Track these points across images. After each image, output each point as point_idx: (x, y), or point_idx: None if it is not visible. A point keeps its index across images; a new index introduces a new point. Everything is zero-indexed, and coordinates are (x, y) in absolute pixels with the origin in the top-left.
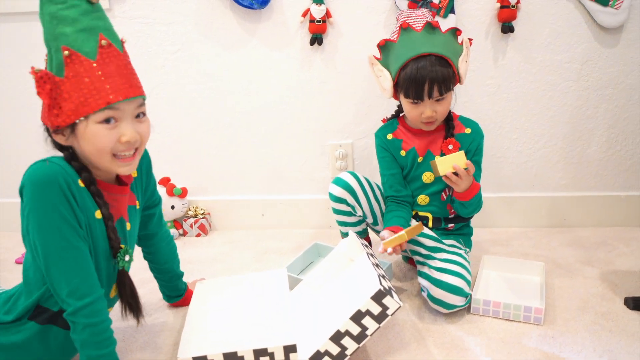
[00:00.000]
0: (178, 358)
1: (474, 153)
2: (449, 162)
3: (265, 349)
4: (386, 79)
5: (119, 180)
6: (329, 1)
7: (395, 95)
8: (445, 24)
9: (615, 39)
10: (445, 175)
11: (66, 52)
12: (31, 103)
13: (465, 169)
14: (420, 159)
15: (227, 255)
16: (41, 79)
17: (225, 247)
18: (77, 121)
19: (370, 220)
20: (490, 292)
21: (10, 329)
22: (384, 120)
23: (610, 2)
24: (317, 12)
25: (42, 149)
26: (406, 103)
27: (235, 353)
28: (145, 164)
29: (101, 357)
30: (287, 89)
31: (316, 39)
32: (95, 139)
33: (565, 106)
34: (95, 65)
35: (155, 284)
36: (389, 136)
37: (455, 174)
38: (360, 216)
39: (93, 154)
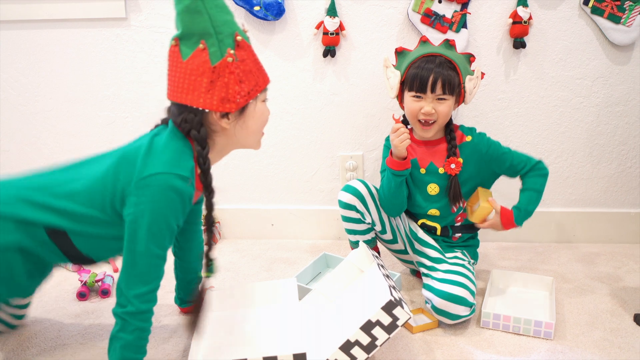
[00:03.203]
0: None
1: (494, 152)
2: (479, 216)
3: (275, 357)
4: (395, 77)
5: None
6: (342, 14)
7: (400, 97)
8: (457, 38)
9: (626, 56)
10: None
11: (239, 38)
12: (35, 111)
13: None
14: (423, 171)
15: (235, 264)
16: (231, 64)
17: (234, 256)
18: (252, 101)
19: (378, 227)
20: (500, 306)
21: None
22: (397, 120)
23: (622, 20)
24: (331, 24)
25: (41, 158)
26: (409, 98)
27: None
28: None
29: None
30: (299, 99)
31: (329, 51)
32: (263, 115)
33: (576, 122)
34: (251, 50)
35: (163, 291)
36: None
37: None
38: (369, 223)
39: (254, 132)
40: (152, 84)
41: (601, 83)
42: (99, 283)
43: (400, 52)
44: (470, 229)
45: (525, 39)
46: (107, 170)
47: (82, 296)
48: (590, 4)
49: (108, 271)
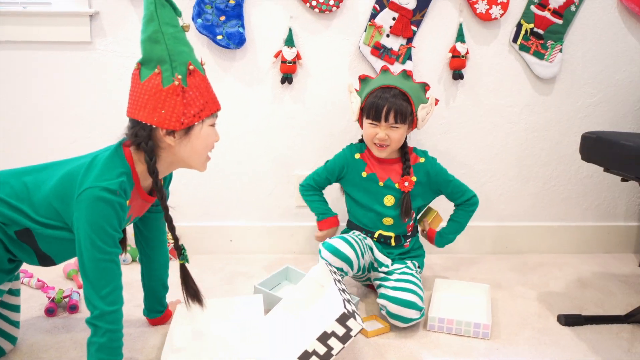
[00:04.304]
0: None
1: (441, 178)
2: (436, 223)
3: None
4: (356, 103)
5: (150, 191)
6: (299, 44)
7: (360, 120)
8: (403, 68)
9: (549, 88)
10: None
11: (191, 67)
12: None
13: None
14: (381, 184)
15: (197, 278)
16: (177, 87)
17: (194, 271)
18: (195, 123)
19: (357, 273)
20: (443, 311)
21: None
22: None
23: (545, 56)
24: (289, 54)
25: None
26: (366, 124)
27: None
28: (169, 176)
29: None
30: (258, 122)
31: (287, 78)
32: (208, 138)
33: (506, 145)
34: (205, 78)
35: (131, 304)
36: (357, 155)
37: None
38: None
39: (199, 153)
40: (114, 104)
41: (528, 111)
42: (67, 299)
43: (363, 79)
44: (416, 232)
45: (463, 71)
46: (55, 187)
47: (50, 312)
48: (519, 42)
49: (74, 287)
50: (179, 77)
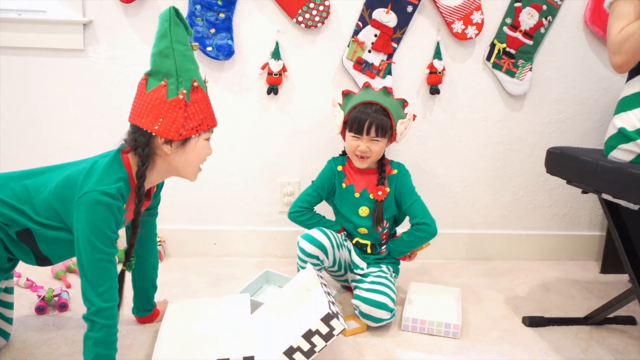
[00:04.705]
0: None
1: (404, 192)
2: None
3: (227, 359)
4: (340, 117)
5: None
6: (285, 58)
7: (343, 132)
8: (383, 83)
9: (520, 104)
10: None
11: (195, 84)
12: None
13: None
14: (357, 195)
15: (182, 280)
16: (181, 100)
17: (180, 273)
18: (193, 136)
19: (333, 267)
20: (417, 312)
21: None
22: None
23: (516, 75)
24: (275, 66)
25: None
26: (349, 136)
27: None
28: (161, 184)
29: (108, 357)
30: (245, 130)
31: (272, 89)
32: (203, 150)
33: (480, 157)
34: (206, 95)
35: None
36: (339, 167)
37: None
38: (324, 266)
39: (192, 164)
40: (106, 110)
41: (500, 125)
42: (56, 298)
43: (346, 95)
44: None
45: (440, 86)
46: (56, 190)
47: (40, 310)
48: (492, 60)
49: (63, 287)
50: (184, 91)
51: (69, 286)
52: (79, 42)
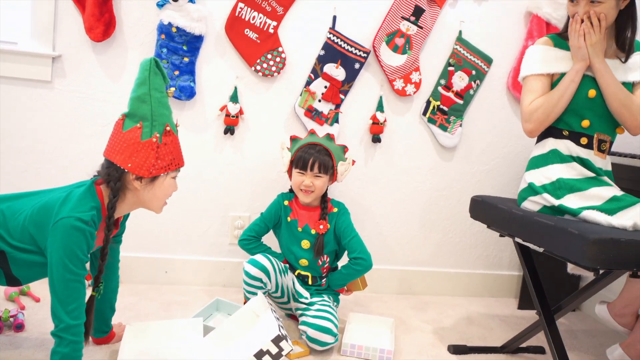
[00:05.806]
0: None
1: (344, 229)
2: (359, 286)
3: None
4: (287, 157)
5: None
6: (242, 101)
7: (289, 172)
8: (331, 131)
9: (451, 155)
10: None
11: (168, 128)
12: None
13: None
14: (300, 229)
15: (135, 305)
16: (154, 143)
17: (132, 298)
18: (162, 174)
19: (276, 292)
20: (355, 338)
21: None
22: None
23: (448, 129)
24: (233, 108)
25: None
26: (295, 173)
27: None
28: (127, 214)
29: None
30: (200, 166)
31: (229, 130)
32: (169, 188)
33: (414, 200)
34: (176, 139)
35: None
36: (286, 202)
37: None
38: (267, 290)
39: (159, 199)
40: (65, 140)
41: (432, 173)
42: (12, 319)
43: (294, 139)
44: (332, 270)
45: (381, 135)
46: (32, 215)
47: None
48: (427, 115)
49: (18, 308)
50: (157, 135)
51: (23, 308)
52: (47, 74)
